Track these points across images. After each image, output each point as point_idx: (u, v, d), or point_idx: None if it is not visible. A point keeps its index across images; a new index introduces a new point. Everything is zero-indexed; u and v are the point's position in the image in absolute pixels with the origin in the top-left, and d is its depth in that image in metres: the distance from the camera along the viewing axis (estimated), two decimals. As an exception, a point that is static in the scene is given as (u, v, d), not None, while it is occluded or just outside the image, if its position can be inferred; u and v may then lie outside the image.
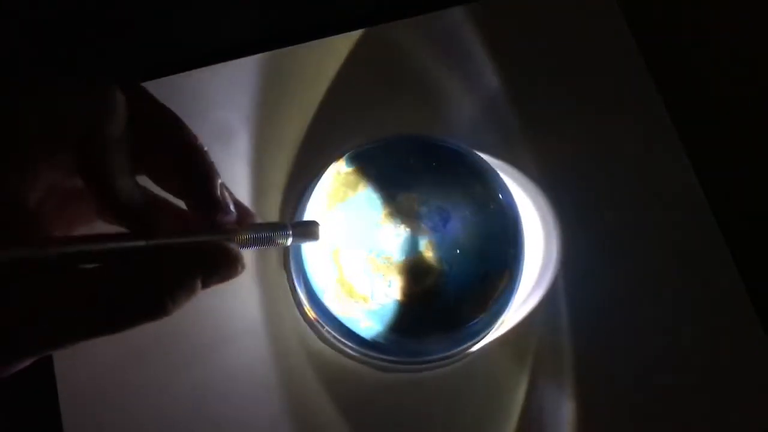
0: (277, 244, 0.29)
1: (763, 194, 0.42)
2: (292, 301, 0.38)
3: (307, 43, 0.42)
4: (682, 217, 0.40)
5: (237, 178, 0.40)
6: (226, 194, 0.26)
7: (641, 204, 0.40)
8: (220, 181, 0.26)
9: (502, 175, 0.39)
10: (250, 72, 0.42)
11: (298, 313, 0.38)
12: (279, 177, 0.40)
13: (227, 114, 0.41)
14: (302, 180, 0.40)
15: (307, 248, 0.36)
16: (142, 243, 0.23)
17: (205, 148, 0.26)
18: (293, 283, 0.38)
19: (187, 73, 0.41)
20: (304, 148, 0.41)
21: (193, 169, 0.25)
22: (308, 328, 0.38)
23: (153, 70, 0.42)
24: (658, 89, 0.42)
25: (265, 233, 0.28)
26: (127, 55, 0.44)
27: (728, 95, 0.44)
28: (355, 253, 0.36)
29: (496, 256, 0.37)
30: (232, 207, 0.26)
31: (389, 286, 0.36)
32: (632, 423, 0.37)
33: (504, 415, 0.36)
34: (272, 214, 0.39)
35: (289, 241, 0.29)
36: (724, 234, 0.40)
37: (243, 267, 0.26)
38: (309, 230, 0.31)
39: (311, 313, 0.37)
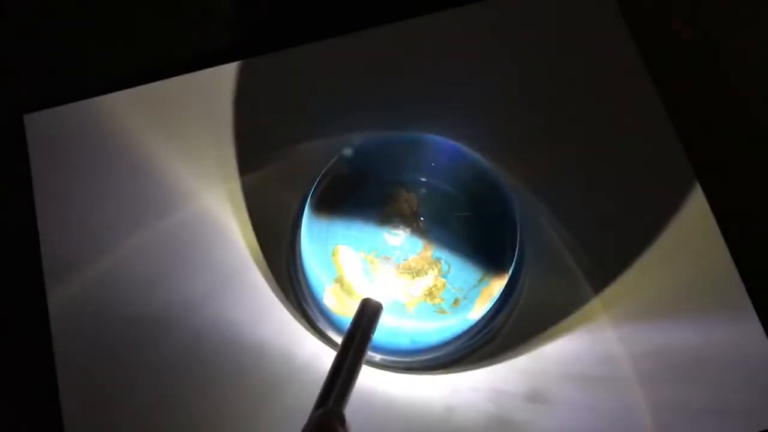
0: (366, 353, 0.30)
1: (764, 194, 0.42)
2: (292, 301, 0.38)
3: (304, 45, 0.43)
4: (681, 217, 0.40)
5: (231, 176, 0.40)
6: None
7: (641, 204, 0.41)
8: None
9: (503, 175, 0.39)
10: (239, 78, 0.42)
11: (297, 314, 0.38)
12: (277, 177, 0.40)
13: (215, 117, 0.41)
14: (302, 180, 0.40)
15: (307, 248, 0.36)
16: None
17: None
18: (293, 284, 0.38)
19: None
20: (303, 148, 0.41)
21: None
22: (308, 328, 0.38)
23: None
24: (657, 89, 0.42)
25: (347, 379, 0.29)
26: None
27: (728, 95, 0.44)
28: (355, 253, 0.36)
29: (497, 256, 0.37)
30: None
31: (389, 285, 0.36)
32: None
33: (504, 418, 0.37)
34: (272, 214, 0.39)
35: (371, 337, 0.30)
36: (724, 234, 0.40)
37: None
38: (370, 310, 0.32)
39: (311, 314, 0.37)
